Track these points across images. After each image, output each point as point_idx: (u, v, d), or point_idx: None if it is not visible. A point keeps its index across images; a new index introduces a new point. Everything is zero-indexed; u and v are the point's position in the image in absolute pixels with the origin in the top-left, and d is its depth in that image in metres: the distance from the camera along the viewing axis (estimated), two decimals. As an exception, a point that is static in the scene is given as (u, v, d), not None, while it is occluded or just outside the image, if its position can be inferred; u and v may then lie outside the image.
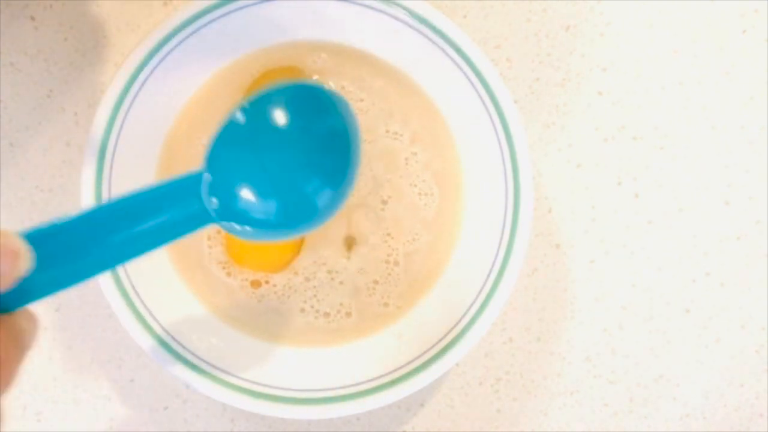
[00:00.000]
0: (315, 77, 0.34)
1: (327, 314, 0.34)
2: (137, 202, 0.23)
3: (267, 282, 0.34)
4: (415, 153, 0.34)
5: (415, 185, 0.34)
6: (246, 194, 0.25)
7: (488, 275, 0.32)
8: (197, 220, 0.24)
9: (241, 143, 0.25)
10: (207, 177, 0.24)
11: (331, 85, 0.34)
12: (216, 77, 0.34)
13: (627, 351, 0.38)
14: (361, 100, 0.34)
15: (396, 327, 0.34)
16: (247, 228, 0.25)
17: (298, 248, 0.34)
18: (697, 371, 0.38)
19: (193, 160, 0.34)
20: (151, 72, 0.32)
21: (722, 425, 0.38)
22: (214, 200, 0.24)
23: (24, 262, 0.20)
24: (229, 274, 0.34)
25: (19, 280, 0.20)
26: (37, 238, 0.21)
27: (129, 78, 0.31)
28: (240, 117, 0.25)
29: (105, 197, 0.31)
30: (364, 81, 0.34)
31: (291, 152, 0.25)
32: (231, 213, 0.25)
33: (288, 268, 0.34)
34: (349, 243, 0.34)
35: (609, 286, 0.38)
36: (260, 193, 0.25)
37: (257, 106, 0.25)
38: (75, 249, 0.22)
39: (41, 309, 0.36)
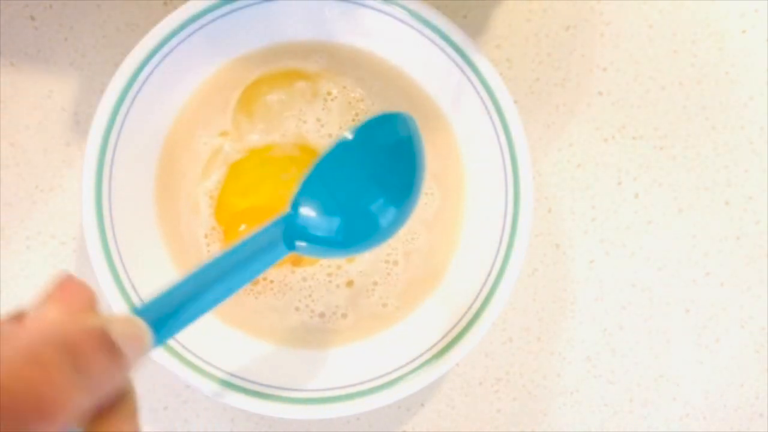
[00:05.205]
0: (316, 77, 0.34)
1: (322, 315, 0.34)
2: (234, 259, 0.25)
3: (265, 279, 0.34)
4: (415, 153, 0.34)
5: (415, 185, 0.34)
6: (326, 224, 0.27)
7: (488, 275, 0.32)
8: (281, 252, 0.26)
9: (325, 182, 0.27)
10: (295, 215, 0.27)
11: (332, 86, 0.34)
12: (216, 77, 0.34)
13: (627, 351, 0.38)
14: (361, 100, 0.34)
15: (395, 327, 0.34)
16: (320, 248, 0.27)
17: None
18: (697, 371, 0.38)
19: (192, 159, 0.34)
20: (151, 72, 0.32)
21: (722, 425, 0.38)
22: (300, 230, 0.27)
23: (146, 344, 0.21)
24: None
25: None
26: (148, 312, 0.22)
27: (129, 78, 0.31)
28: (325, 161, 0.27)
29: (105, 197, 0.31)
30: (364, 81, 0.34)
31: (366, 186, 0.28)
32: (312, 236, 0.27)
33: (284, 266, 0.34)
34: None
35: (609, 286, 0.38)
36: (335, 215, 0.27)
37: (340, 149, 0.27)
38: (180, 308, 0.23)
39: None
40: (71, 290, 0.20)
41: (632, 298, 0.38)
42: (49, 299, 0.19)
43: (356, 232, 0.28)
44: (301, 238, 0.27)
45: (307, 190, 0.27)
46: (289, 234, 0.26)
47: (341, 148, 0.27)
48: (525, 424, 0.38)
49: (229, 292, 0.25)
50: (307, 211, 0.27)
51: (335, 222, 0.27)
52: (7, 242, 0.36)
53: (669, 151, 0.38)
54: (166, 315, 0.23)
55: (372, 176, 0.28)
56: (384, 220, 0.28)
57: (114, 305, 0.31)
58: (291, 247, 0.27)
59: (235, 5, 0.32)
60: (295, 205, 0.27)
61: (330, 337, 0.34)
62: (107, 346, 0.18)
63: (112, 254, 0.31)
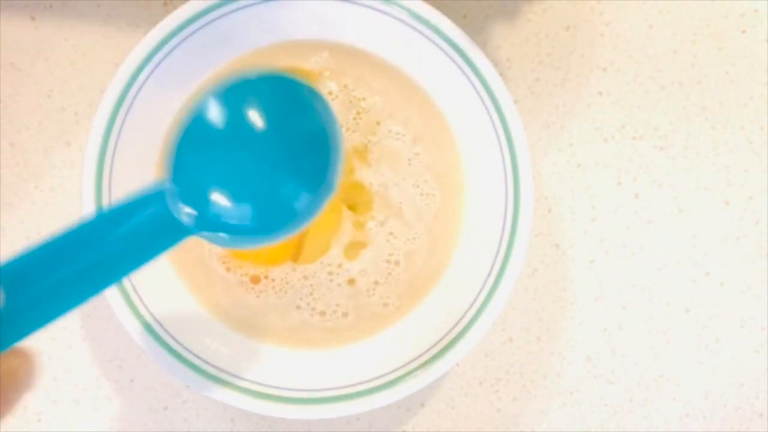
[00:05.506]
0: (318, 76, 0.34)
1: (323, 313, 0.34)
2: (102, 224, 0.22)
3: (266, 277, 0.34)
4: (418, 153, 0.34)
5: (418, 185, 0.34)
6: (219, 200, 0.22)
7: (488, 275, 0.32)
8: (172, 233, 0.22)
9: (208, 144, 0.23)
10: (172, 186, 0.22)
11: (332, 85, 0.34)
12: (216, 77, 0.34)
13: (627, 351, 0.38)
14: (362, 99, 0.34)
15: (396, 327, 0.34)
16: (222, 235, 0.23)
17: (300, 241, 0.33)
18: (697, 371, 0.38)
19: (193, 160, 0.34)
20: (151, 72, 0.32)
21: (722, 425, 0.38)
22: (186, 209, 0.22)
23: None
24: (228, 270, 0.34)
25: None
26: (3, 274, 0.20)
27: (129, 78, 0.31)
28: (205, 113, 0.23)
29: (105, 197, 0.31)
30: (365, 81, 0.34)
31: (264, 151, 0.23)
32: (204, 222, 0.23)
33: (285, 264, 0.34)
34: (354, 246, 0.34)
35: (609, 286, 0.38)
36: (234, 197, 0.23)
37: (225, 100, 0.23)
38: (46, 282, 0.21)
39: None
40: None
41: (632, 298, 0.38)
42: None
43: (266, 215, 0.23)
44: (202, 223, 0.22)
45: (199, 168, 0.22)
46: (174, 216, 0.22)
47: (219, 108, 0.22)
48: (525, 424, 0.38)
49: (109, 274, 0.22)
50: (205, 197, 0.22)
51: (242, 204, 0.23)
52: (7, 242, 0.36)
53: (669, 151, 0.38)
54: (29, 286, 0.20)
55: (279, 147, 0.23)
56: (302, 197, 0.23)
57: (114, 305, 0.31)
58: (182, 225, 0.22)
59: (235, 5, 0.32)
60: (178, 180, 0.22)
61: (330, 336, 0.34)
62: None
63: (112, 254, 0.31)
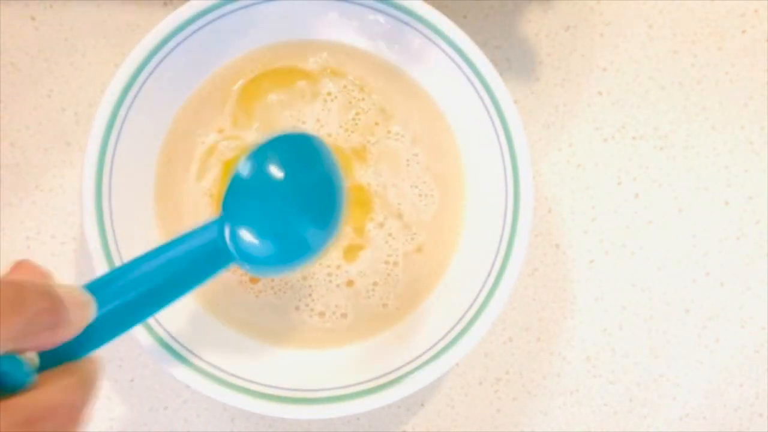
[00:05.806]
0: (317, 76, 0.34)
1: (322, 314, 0.34)
2: (172, 250, 0.26)
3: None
4: (416, 154, 0.34)
5: (416, 186, 0.34)
6: (254, 237, 0.27)
7: (488, 275, 0.32)
8: (222, 260, 0.27)
9: (252, 193, 0.27)
10: (226, 221, 0.27)
11: (332, 85, 0.34)
12: (216, 76, 0.34)
13: (627, 351, 0.38)
14: (362, 100, 0.34)
15: (395, 328, 0.34)
16: (252, 266, 0.27)
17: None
18: (697, 371, 0.38)
19: (192, 158, 0.34)
20: (151, 72, 0.32)
21: (722, 425, 0.38)
22: (231, 243, 0.27)
23: (90, 311, 0.23)
24: (227, 270, 0.34)
25: (83, 328, 0.22)
26: (95, 289, 0.23)
27: (129, 78, 0.31)
28: (247, 169, 0.27)
29: (105, 197, 0.31)
30: (365, 81, 0.34)
31: (290, 199, 0.28)
32: (240, 253, 0.27)
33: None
34: (353, 248, 0.34)
35: (609, 286, 0.38)
36: (266, 235, 0.27)
37: (262, 159, 0.28)
38: (127, 296, 0.24)
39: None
40: (27, 268, 0.22)
41: (632, 298, 0.38)
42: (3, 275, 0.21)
43: (293, 250, 0.28)
44: (239, 257, 0.27)
45: (239, 210, 0.27)
46: (227, 247, 0.27)
47: (258, 165, 0.28)
48: (525, 424, 0.38)
49: (175, 291, 0.26)
50: (245, 235, 0.27)
51: (272, 244, 0.27)
52: (7, 242, 0.36)
53: (669, 151, 0.38)
54: (113, 300, 0.24)
55: (300, 195, 0.28)
56: (316, 235, 0.28)
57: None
58: (232, 254, 0.27)
59: (234, 5, 0.32)
60: (228, 219, 0.27)
61: (330, 336, 0.34)
62: (50, 297, 0.20)
63: (112, 254, 0.31)
